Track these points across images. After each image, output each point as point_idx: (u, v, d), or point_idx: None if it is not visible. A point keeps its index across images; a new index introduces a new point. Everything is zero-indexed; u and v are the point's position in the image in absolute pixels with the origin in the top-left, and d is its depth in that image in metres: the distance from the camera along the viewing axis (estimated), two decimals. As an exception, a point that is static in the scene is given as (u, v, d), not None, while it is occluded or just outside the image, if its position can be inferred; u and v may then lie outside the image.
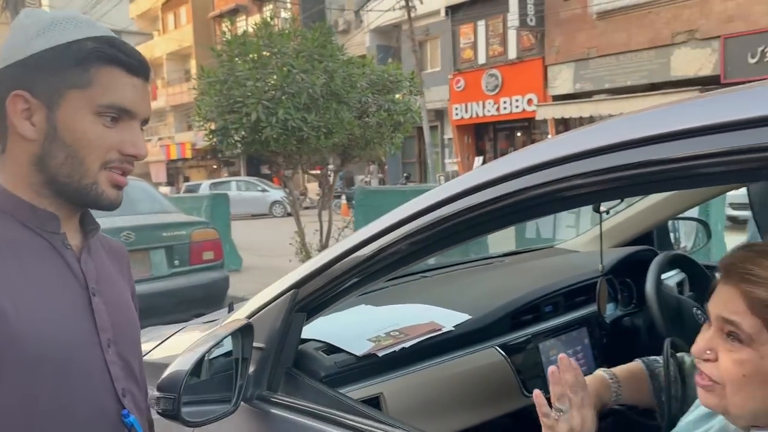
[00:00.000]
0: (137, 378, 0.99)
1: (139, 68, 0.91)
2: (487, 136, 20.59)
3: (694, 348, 0.89)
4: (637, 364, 1.24)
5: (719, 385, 0.85)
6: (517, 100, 18.19)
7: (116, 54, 0.89)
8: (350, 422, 1.03)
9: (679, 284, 1.99)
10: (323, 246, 6.67)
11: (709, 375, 0.86)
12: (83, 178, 0.89)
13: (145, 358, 1.58)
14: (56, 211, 0.91)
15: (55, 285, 0.88)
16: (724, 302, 0.85)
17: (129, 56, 0.90)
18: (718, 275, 0.90)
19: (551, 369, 0.99)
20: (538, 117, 17.15)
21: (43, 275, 0.87)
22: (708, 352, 0.86)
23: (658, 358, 1.24)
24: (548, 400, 0.98)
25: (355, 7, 21.48)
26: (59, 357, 0.85)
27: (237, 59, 6.02)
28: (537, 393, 0.98)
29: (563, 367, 0.98)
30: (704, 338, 0.88)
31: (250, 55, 6.04)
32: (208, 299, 4.98)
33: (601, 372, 1.20)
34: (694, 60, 14.22)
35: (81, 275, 0.92)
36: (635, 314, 1.83)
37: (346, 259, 1.12)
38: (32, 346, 0.82)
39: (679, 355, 1.22)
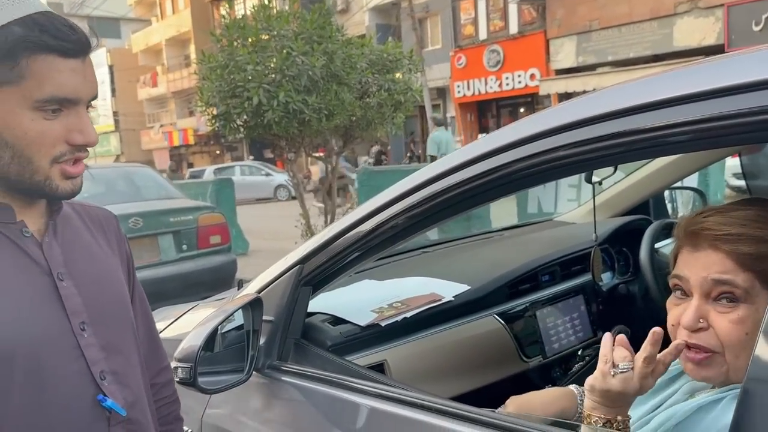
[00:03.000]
0: (127, 354, 0.96)
1: (76, 49, 0.83)
2: (490, 113, 20.49)
3: (683, 321, 0.85)
4: None
5: (716, 354, 0.83)
6: (519, 76, 18.08)
7: (46, 40, 0.81)
8: (357, 386, 1.09)
9: (675, 252, 2.04)
10: (328, 227, 6.71)
11: (706, 345, 0.83)
12: (34, 175, 0.85)
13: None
14: (11, 202, 0.88)
15: (13, 278, 0.86)
16: (708, 266, 0.84)
17: (61, 39, 0.82)
18: (678, 244, 0.89)
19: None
20: (542, 92, 17.05)
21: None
22: (700, 321, 0.84)
23: None
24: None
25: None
26: (27, 351, 0.83)
27: (236, 43, 6.03)
28: (607, 335, 0.91)
29: (652, 340, 0.86)
30: (691, 308, 0.85)
31: (250, 39, 6.05)
32: (217, 282, 5.06)
33: (572, 388, 1.18)
34: (698, 30, 14.07)
35: (44, 262, 0.89)
36: (631, 281, 1.89)
37: (348, 234, 1.17)
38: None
39: None
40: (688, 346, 0.86)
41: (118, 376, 0.93)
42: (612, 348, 0.88)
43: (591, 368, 1.11)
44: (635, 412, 0.95)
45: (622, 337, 0.90)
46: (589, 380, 0.92)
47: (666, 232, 1.97)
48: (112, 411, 0.90)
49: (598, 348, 1.29)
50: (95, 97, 0.89)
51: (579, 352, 1.68)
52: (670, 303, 0.91)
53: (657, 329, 0.87)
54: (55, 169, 0.86)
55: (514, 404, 1.16)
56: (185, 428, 1.39)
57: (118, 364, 0.94)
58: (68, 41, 0.82)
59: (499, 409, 1.17)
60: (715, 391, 0.85)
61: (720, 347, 0.83)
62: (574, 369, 1.66)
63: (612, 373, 0.86)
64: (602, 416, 0.87)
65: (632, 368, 0.85)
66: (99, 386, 0.90)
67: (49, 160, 0.85)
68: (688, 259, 0.88)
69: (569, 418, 1.12)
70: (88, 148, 0.88)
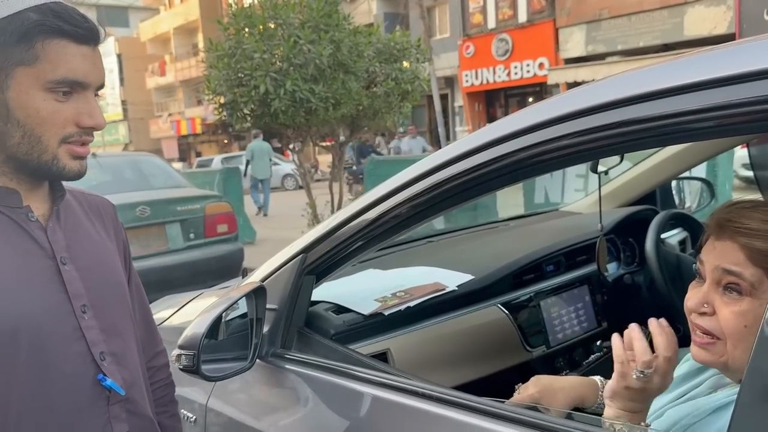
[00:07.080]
0: (125, 336, 1.00)
1: (88, 36, 0.89)
2: (498, 103, 20.39)
3: (689, 303, 0.88)
4: None
5: (719, 341, 0.85)
6: (528, 65, 17.96)
7: (61, 25, 0.86)
8: (359, 374, 1.10)
9: (681, 242, 2.04)
10: (335, 217, 6.70)
11: (708, 329, 0.85)
12: (42, 155, 0.88)
13: (165, 323, 1.67)
14: (17, 186, 0.91)
15: (20, 260, 0.89)
16: (722, 255, 0.86)
17: (75, 25, 0.87)
18: (707, 231, 0.91)
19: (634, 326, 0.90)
20: (550, 81, 16.94)
21: (6, 252, 0.88)
22: (705, 305, 0.86)
23: None
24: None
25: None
26: (31, 327, 0.87)
27: (244, 32, 6.01)
28: (615, 336, 0.91)
29: (655, 330, 0.89)
30: (700, 292, 0.87)
31: (257, 27, 6.03)
32: (223, 271, 5.07)
33: (596, 379, 1.18)
34: (708, 19, 13.92)
35: (48, 246, 0.92)
36: (636, 272, 1.88)
37: (351, 223, 1.17)
38: (2, 323, 0.84)
39: None
40: (694, 329, 0.88)
41: (116, 357, 0.97)
42: (624, 349, 0.89)
43: (607, 360, 1.10)
44: (660, 399, 0.95)
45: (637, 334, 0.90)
46: (609, 386, 0.92)
47: (672, 222, 1.96)
48: (112, 390, 0.94)
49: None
50: (102, 85, 0.93)
51: (597, 343, 1.68)
52: (691, 285, 0.92)
53: (660, 321, 0.89)
54: (63, 149, 0.90)
55: (538, 384, 1.17)
56: (190, 415, 1.40)
57: (117, 346, 0.98)
58: (81, 28, 0.88)
59: (521, 386, 1.18)
60: (735, 390, 0.86)
61: (722, 334, 0.85)
62: (591, 359, 1.66)
63: (634, 375, 0.87)
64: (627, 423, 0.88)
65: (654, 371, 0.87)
66: (99, 366, 0.94)
67: (58, 140, 0.89)
68: (710, 246, 0.90)
69: (588, 407, 1.14)
70: (97, 136, 0.93)
